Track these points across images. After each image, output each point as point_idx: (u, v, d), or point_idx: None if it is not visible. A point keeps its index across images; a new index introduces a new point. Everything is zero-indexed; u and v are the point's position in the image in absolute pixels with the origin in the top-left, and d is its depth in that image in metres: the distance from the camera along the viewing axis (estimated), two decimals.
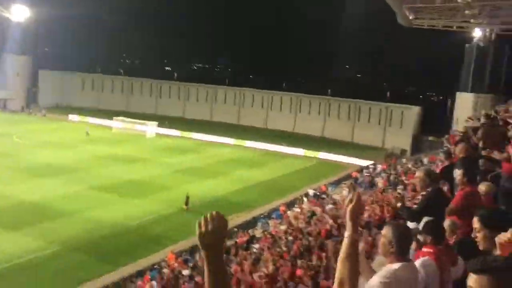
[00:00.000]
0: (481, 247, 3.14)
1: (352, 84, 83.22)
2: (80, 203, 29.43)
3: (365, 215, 19.08)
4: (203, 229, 1.90)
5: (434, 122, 56.80)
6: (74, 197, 30.59)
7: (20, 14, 68.41)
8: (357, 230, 2.71)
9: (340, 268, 2.62)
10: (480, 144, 8.94)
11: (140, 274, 19.88)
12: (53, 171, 36.46)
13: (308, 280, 12.74)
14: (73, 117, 66.51)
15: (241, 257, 18.17)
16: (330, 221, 20.35)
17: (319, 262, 14.45)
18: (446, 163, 8.33)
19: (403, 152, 55.94)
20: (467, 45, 50.89)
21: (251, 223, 27.68)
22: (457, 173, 5.74)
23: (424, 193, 5.86)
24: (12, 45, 69.28)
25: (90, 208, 28.66)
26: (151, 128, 58.90)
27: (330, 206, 26.91)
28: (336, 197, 32.02)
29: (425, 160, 35.92)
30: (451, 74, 56.27)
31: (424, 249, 4.49)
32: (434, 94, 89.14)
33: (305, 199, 31.93)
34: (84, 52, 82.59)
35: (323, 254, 14.87)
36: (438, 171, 8.28)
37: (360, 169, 43.82)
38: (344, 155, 51.53)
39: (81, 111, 69.13)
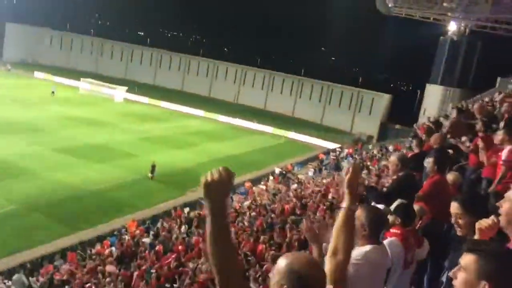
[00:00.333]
0: (460, 233, 3.15)
1: (326, 67, 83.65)
2: (41, 163, 28.57)
3: (329, 196, 19.42)
4: (209, 178, 1.91)
5: (402, 111, 57.92)
6: (35, 157, 29.63)
7: None
8: (355, 201, 2.72)
9: (335, 237, 2.66)
10: (448, 136, 9.13)
11: (99, 239, 19.62)
12: (15, 129, 35.19)
13: (268, 256, 12.86)
14: (39, 74, 64.25)
15: (203, 229, 18.18)
16: (294, 200, 20.56)
17: (281, 239, 14.58)
18: (416, 150, 8.45)
19: (370, 138, 56.84)
20: (441, 37, 51.66)
21: None
22: (429, 161, 5.82)
23: (395, 177, 5.94)
24: None
25: (51, 169, 27.83)
26: (119, 93, 57.49)
27: (295, 185, 27.26)
28: (301, 176, 32.43)
29: (390, 148, 36.67)
30: (424, 65, 57.20)
31: (392, 230, 4.57)
32: (404, 83, 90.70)
33: (271, 177, 32.16)
34: (55, 8, 79.44)
35: (286, 232, 15.01)
36: None
37: (327, 151, 44.39)
38: (313, 136, 51.97)
39: (48, 69, 66.86)
